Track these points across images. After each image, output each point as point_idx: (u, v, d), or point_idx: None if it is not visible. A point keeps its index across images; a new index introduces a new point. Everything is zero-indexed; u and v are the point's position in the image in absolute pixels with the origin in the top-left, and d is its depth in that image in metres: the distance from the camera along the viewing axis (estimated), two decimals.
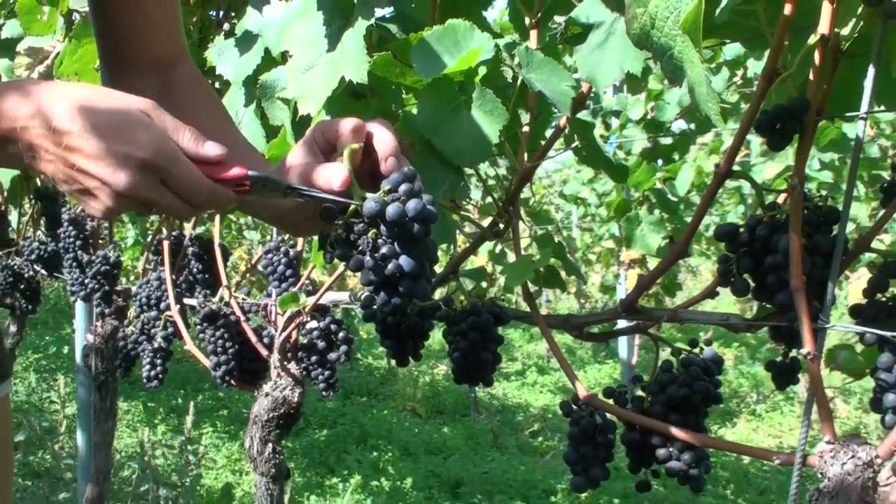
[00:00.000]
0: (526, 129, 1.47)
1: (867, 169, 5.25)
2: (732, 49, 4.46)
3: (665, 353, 1.38)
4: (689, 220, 5.66)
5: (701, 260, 12.01)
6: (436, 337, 1.61)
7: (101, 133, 0.91)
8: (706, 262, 12.35)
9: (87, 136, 0.90)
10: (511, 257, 5.28)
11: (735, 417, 7.21)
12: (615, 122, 5.08)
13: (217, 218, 2.61)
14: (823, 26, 1.07)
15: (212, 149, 0.98)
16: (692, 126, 4.83)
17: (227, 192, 1.00)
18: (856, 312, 1.17)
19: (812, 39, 1.10)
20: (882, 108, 1.20)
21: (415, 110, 1.28)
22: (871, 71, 1.08)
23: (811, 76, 1.11)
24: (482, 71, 1.26)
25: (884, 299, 1.16)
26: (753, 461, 5.96)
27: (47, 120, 0.90)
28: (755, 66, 4.68)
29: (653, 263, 5.50)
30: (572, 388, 1.33)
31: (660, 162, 4.76)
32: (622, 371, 6.40)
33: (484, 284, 1.56)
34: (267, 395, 2.17)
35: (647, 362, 8.98)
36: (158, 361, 2.75)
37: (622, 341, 6.16)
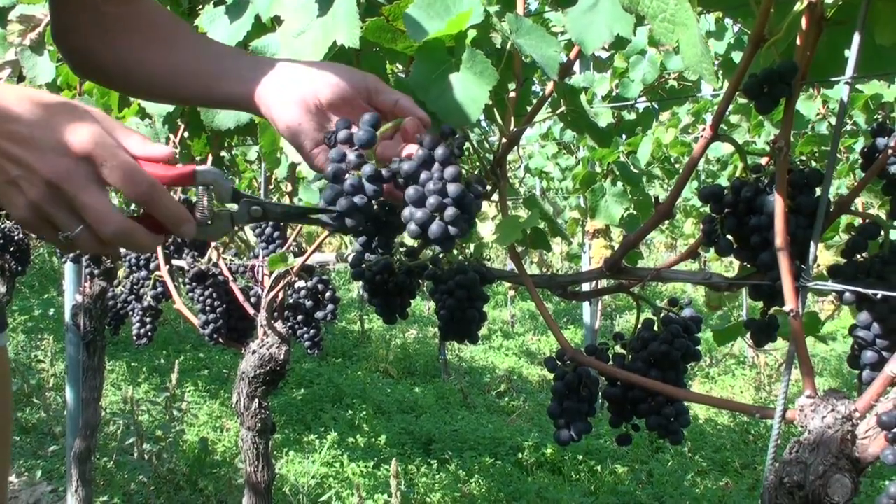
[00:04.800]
0: (512, 94, 1.44)
1: (817, 145, 5.27)
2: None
3: (644, 314, 1.36)
4: (651, 192, 5.65)
5: (655, 233, 12.07)
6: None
7: (39, 119, 0.85)
8: (660, 234, 12.43)
9: (26, 121, 0.85)
10: (481, 226, 5.25)
11: (690, 380, 7.25)
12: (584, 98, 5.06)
13: None
14: None
15: (160, 149, 0.93)
16: (654, 104, 4.82)
17: (177, 205, 0.94)
18: (835, 272, 1.15)
19: (799, 6, 1.07)
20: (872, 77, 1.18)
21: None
22: (856, 37, 1.06)
23: (798, 41, 1.09)
24: (472, 34, 1.23)
25: (862, 259, 1.15)
26: (709, 420, 6.00)
27: None
28: (716, 46, 4.66)
29: (616, 232, 5.50)
30: (535, 351, 1.31)
31: (623, 136, 4.75)
32: (585, 335, 6.41)
33: (455, 251, 1.54)
34: (254, 352, 2.13)
35: (608, 328, 9.04)
36: (148, 320, 2.71)
37: (586, 307, 6.17)
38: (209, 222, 0.97)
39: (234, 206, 0.99)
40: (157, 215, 0.92)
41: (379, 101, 1.10)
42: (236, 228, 1.00)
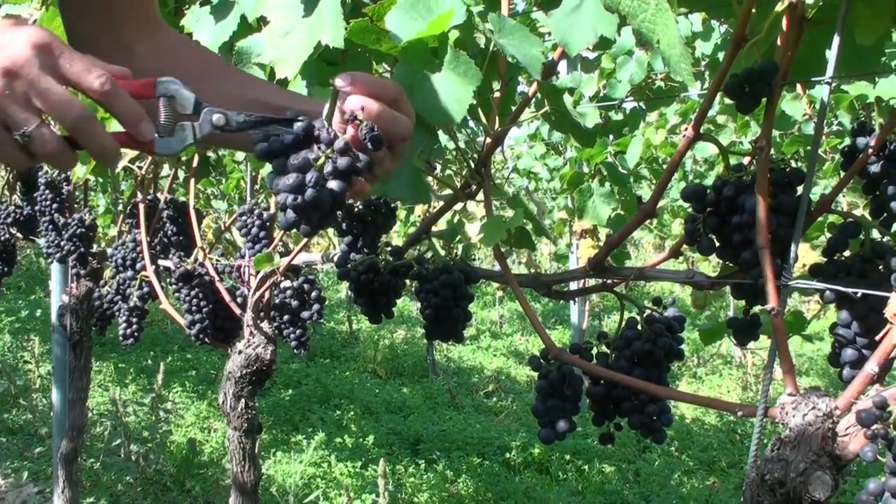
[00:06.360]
0: (497, 94, 1.45)
1: (803, 145, 5.28)
2: (683, 29, 4.45)
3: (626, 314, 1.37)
4: (638, 192, 5.65)
5: (644, 233, 12.09)
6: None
7: None
8: (648, 234, 12.44)
9: None
10: (468, 226, 5.26)
11: (677, 380, 7.28)
12: (569, 99, 5.06)
13: (192, 182, 2.56)
14: None
15: (117, 66, 0.90)
16: (642, 104, 4.82)
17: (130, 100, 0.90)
18: (816, 271, 1.16)
19: (780, 6, 1.08)
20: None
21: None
22: (836, 38, 1.07)
23: (778, 42, 1.09)
24: (454, 35, 1.23)
25: (843, 258, 1.16)
26: (696, 420, 6.02)
27: None
28: (703, 47, 4.68)
29: (603, 233, 5.50)
30: (523, 352, 1.31)
31: (611, 137, 4.75)
32: (573, 335, 6.42)
33: (442, 252, 1.54)
34: (240, 352, 2.13)
35: (596, 328, 9.05)
36: (134, 320, 2.71)
37: (574, 308, 6.18)
38: (171, 133, 0.94)
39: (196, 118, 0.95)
40: (115, 111, 0.89)
41: None
42: (198, 139, 0.96)
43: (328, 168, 0.92)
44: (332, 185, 0.92)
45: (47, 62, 0.84)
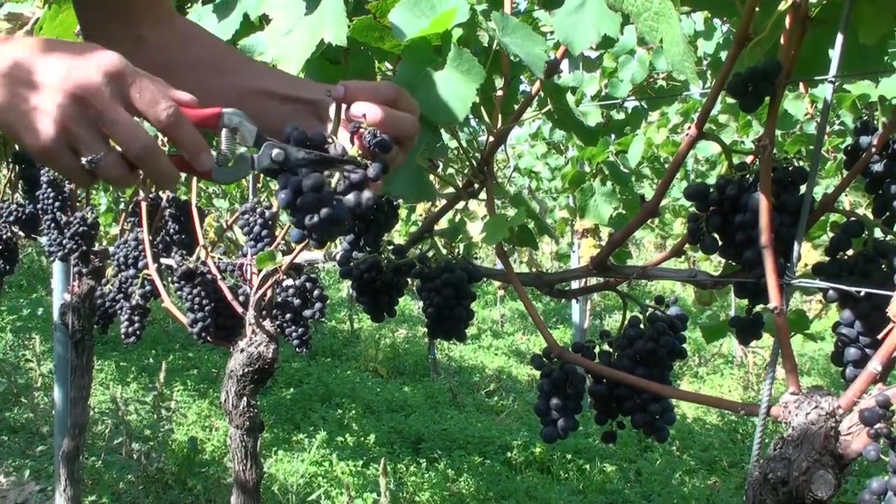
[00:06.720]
0: (500, 93, 1.44)
1: (805, 145, 5.27)
2: (685, 28, 4.45)
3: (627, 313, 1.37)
4: (640, 191, 5.64)
5: (645, 232, 12.09)
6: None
7: (66, 45, 0.86)
8: (650, 234, 12.43)
9: (54, 43, 0.85)
10: (470, 225, 5.26)
11: (678, 379, 7.28)
12: (571, 98, 5.06)
13: (193, 180, 2.56)
14: None
15: (184, 94, 0.92)
16: (643, 103, 4.82)
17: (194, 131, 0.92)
18: (819, 270, 1.16)
19: (783, 5, 1.08)
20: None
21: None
22: (839, 37, 1.06)
23: (781, 41, 1.09)
24: (457, 33, 1.23)
25: (845, 257, 1.16)
26: (697, 419, 6.02)
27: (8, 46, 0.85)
28: (705, 46, 4.67)
29: (605, 232, 5.50)
30: (525, 351, 1.31)
31: (613, 136, 4.75)
32: (574, 335, 6.42)
33: (444, 250, 1.54)
34: (242, 350, 2.13)
35: (597, 328, 9.04)
36: (136, 318, 2.70)
37: (575, 307, 6.18)
38: (229, 164, 0.96)
39: (255, 151, 0.96)
40: (179, 142, 0.91)
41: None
42: (255, 171, 0.97)
43: (342, 186, 0.94)
44: (349, 198, 0.94)
45: (118, 90, 0.86)
